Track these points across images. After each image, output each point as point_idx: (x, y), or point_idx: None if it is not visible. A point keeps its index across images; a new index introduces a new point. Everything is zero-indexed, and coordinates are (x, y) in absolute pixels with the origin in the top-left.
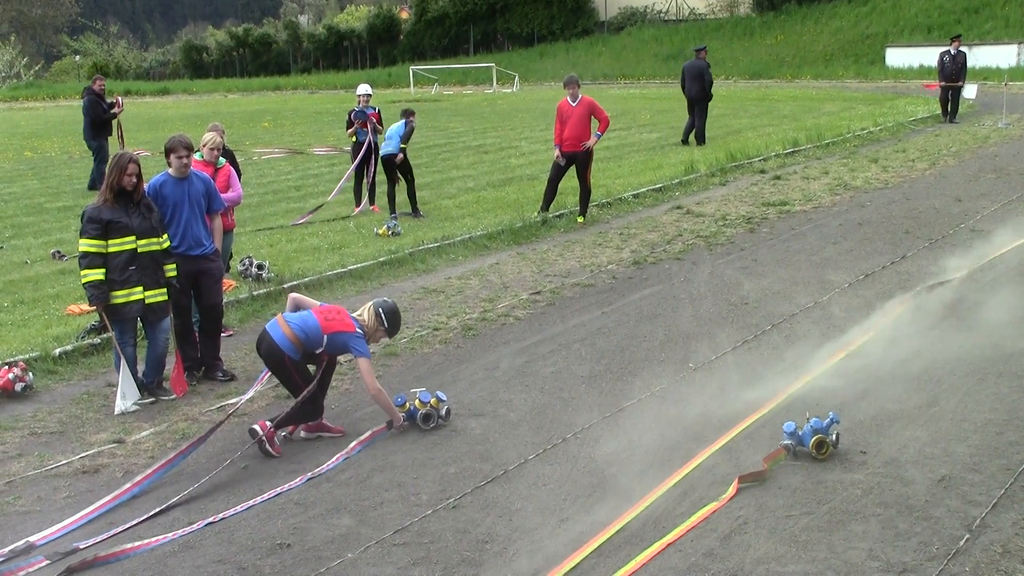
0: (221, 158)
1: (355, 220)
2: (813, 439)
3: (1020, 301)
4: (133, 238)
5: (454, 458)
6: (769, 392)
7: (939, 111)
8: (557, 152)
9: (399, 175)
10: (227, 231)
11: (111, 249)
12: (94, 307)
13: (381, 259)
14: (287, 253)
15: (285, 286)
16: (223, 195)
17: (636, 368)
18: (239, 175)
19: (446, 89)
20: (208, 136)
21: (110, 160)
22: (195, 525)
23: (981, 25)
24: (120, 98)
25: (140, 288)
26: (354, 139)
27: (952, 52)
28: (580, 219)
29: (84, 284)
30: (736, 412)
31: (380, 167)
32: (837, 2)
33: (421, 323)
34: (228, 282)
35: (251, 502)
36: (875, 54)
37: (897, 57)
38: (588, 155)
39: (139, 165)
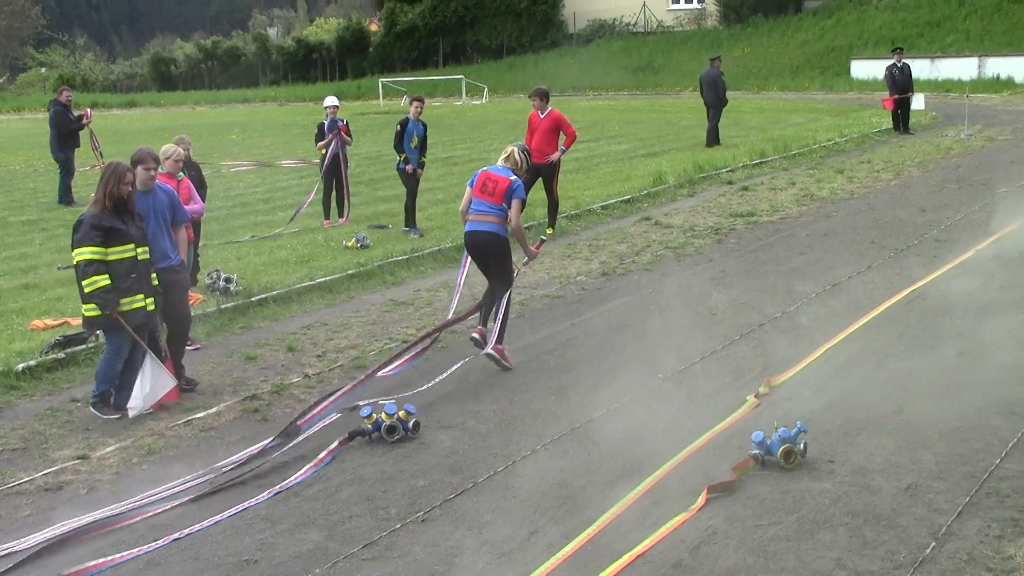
0: (181, 172)
1: (324, 233)
2: (781, 448)
3: (986, 311)
4: (132, 246)
5: (423, 471)
6: (738, 402)
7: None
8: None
9: (406, 185)
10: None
11: (111, 257)
12: (108, 312)
13: (350, 272)
14: (255, 266)
15: (253, 299)
16: (186, 207)
17: (605, 379)
18: (205, 188)
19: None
20: (169, 148)
21: (106, 168)
22: (160, 541)
23: (943, 38)
24: (89, 110)
25: (141, 296)
26: (324, 151)
27: (899, 64)
28: (549, 230)
29: (92, 292)
30: (704, 422)
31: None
32: (803, 15)
33: (390, 335)
34: (195, 296)
35: (217, 517)
36: (840, 66)
37: (862, 69)
38: (552, 167)
39: (134, 174)
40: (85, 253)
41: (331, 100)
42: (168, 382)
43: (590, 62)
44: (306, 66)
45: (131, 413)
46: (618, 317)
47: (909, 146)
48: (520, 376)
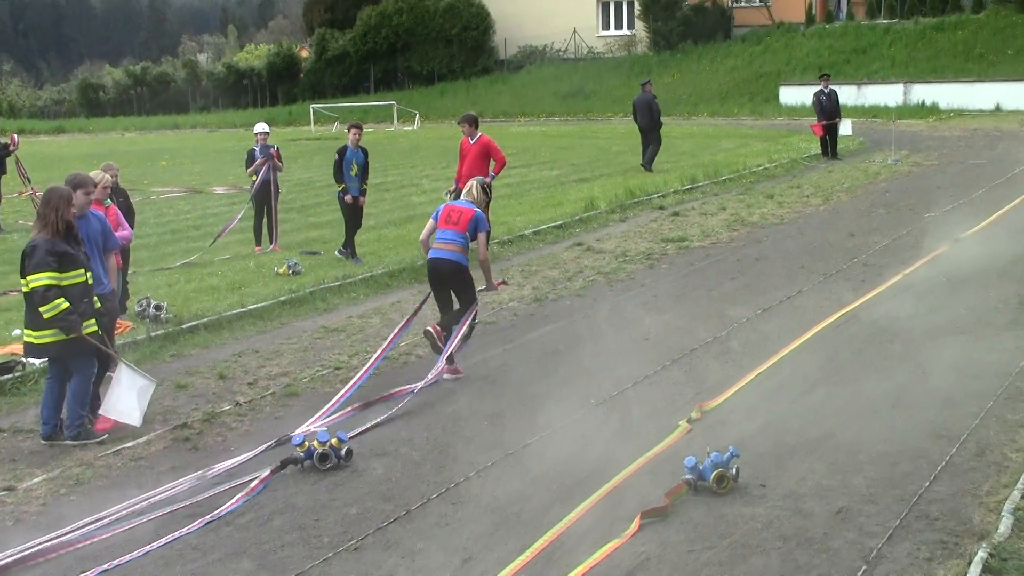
0: (108, 198)
1: (255, 259)
2: (714, 473)
3: (914, 334)
4: (83, 270)
5: (356, 499)
6: (670, 427)
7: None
8: (449, 189)
9: (350, 215)
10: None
11: (65, 282)
12: (75, 335)
13: (281, 298)
14: (186, 293)
15: (184, 326)
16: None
17: (538, 405)
18: (133, 214)
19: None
20: (96, 174)
21: (51, 194)
22: (88, 573)
23: (869, 65)
24: (15, 136)
25: (93, 320)
26: (254, 178)
27: (826, 91)
28: None
29: (54, 316)
30: (638, 447)
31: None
32: (732, 42)
33: (322, 362)
34: (124, 323)
35: (147, 547)
36: (769, 92)
37: (790, 95)
38: None
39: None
40: (43, 279)
41: (261, 127)
42: (149, 384)
43: (521, 88)
44: (236, 92)
45: (137, 423)
46: (551, 343)
47: (838, 171)
48: (453, 402)
